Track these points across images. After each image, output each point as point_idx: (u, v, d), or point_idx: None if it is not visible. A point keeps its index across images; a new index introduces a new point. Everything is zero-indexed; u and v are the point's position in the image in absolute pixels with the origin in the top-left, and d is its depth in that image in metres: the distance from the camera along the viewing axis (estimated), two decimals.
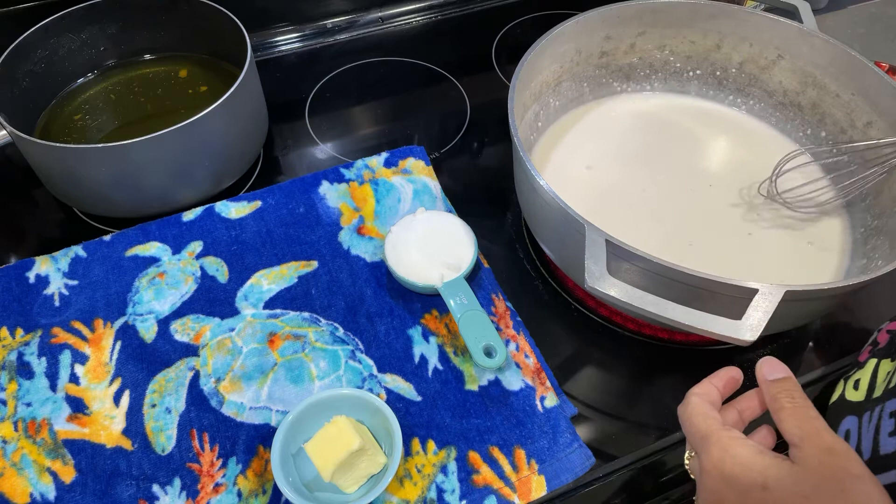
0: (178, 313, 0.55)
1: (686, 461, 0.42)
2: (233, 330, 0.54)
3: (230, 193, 0.65)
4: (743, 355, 0.56)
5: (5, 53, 0.60)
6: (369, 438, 0.47)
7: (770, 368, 0.39)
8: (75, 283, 0.57)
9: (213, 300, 0.56)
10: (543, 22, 0.87)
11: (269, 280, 0.57)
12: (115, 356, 0.53)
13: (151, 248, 0.59)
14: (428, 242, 0.57)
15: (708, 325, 0.41)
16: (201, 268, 0.58)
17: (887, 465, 0.39)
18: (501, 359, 0.50)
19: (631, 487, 0.49)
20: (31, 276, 0.57)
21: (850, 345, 0.56)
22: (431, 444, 0.49)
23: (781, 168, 0.58)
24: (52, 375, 0.51)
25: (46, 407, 0.50)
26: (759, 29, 0.64)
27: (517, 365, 0.52)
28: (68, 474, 0.47)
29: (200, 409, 0.50)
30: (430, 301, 0.56)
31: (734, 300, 0.42)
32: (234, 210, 0.62)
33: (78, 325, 0.54)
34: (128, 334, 0.54)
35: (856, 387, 0.46)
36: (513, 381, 0.52)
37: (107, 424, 0.49)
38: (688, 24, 0.66)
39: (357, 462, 0.45)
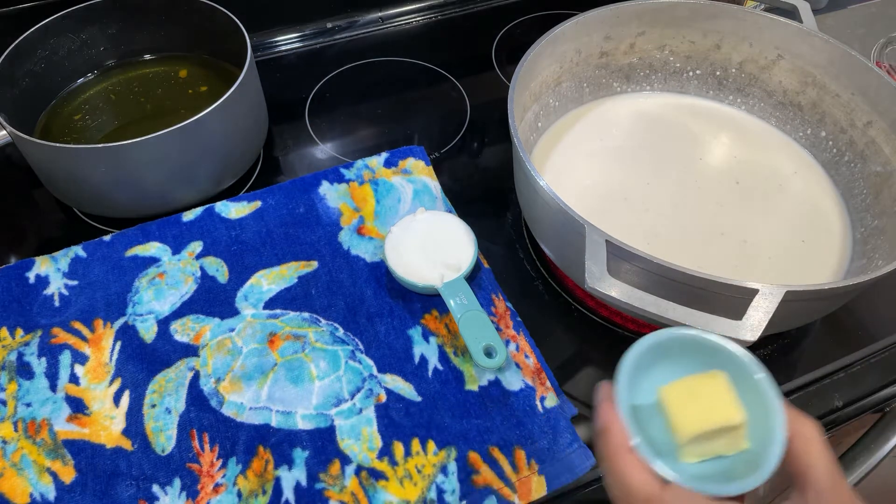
0: (178, 313, 0.55)
1: None
2: (233, 330, 0.54)
3: (230, 193, 0.65)
4: None
5: (5, 53, 0.60)
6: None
7: None
8: (75, 283, 0.57)
9: (213, 300, 0.56)
10: (543, 22, 0.87)
11: (269, 280, 0.57)
12: (115, 356, 0.53)
13: (151, 249, 0.59)
14: (428, 243, 0.57)
15: (708, 325, 0.41)
16: (201, 268, 0.58)
17: None
18: (501, 359, 0.50)
19: None
20: (31, 276, 0.57)
21: (850, 345, 0.56)
22: (431, 445, 0.49)
23: None
24: (52, 376, 0.51)
25: (46, 407, 0.50)
26: (759, 29, 0.64)
27: (517, 365, 0.52)
28: (68, 474, 0.47)
29: (200, 410, 0.50)
30: (430, 301, 0.56)
31: (734, 300, 0.42)
32: (234, 210, 0.62)
33: (78, 326, 0.54)
34: (128, 334, 0.54)
35: None
36: (513, 382, 0.52)
37: (107, 425, 0.49)
38: (688, 24, 0.66)
39: (717, 437, 0.36)
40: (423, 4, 0.87)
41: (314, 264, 0.59)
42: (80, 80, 0.70)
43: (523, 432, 0.49)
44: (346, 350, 0.53)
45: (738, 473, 0.34)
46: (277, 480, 0.47)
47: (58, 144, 0.55)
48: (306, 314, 0.55)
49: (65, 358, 0.52)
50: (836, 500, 0.31)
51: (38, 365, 0.52)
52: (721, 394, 0.35)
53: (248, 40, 0.63)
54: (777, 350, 0.56)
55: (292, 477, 0.47)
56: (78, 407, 0.50)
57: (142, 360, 0.52)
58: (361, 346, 0.54)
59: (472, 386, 0.51)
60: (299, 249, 0.59)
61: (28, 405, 0.50)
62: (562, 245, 0.53)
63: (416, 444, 0.49)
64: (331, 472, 0.47)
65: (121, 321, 0.55)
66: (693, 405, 0.35)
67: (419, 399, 0.51)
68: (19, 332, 0.54)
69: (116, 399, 0.51)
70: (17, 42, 0.61)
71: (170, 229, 0.60)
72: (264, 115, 0.69)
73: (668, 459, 0.35)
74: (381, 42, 0.84)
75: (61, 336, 0.54)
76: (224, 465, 0.48)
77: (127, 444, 0.49)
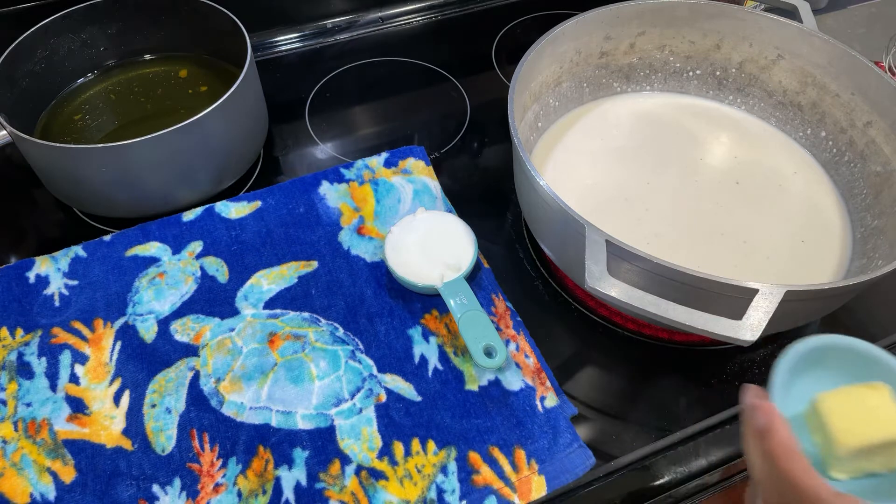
0: (178, 313, 0.55)
1: None
2: (233, 330, 0.54)
3: (230, 193, 0.65)
4: (743, 355, 0.56)
5: (5, 53, 0.60)
6: None
7: None
8: (75, 283, 0.57)
9: (213, 300, 0.56)
10: (543, 22, 0.87)
11: (269, 280, 0.57)
12: (115, 356, 0.53)
13: (151, 248, 0.59)
14: (428, 242, 0.57)
15: (708, 325, 0.41)
16: (201, 268, 0.58)
17: None
18: (501, 359, 0.50)
19: (631, 488, 0.49)
20: (31, 276, 0.57)
21: None
22: (431, 445, 0.49)
23: None
24: (52, 375, 0.51)
25: (46, 407, 0.50)
26: (759, 29, 0.64)
27: (517, 365, 0.52)
28: (68, 474, 0.47)
29: (200, 409, 0.50)
30: (430, 301, 0.56)
31: (734, 300, 0.42)
32: (234, 210, 0.62)
33: (78, 325, 0.54)
34: (128, 334, 0.54)
35: None
36: (513, 382, 0.52)
37: (107, 424, 0.49)
38: (688, 24, 0.66)
39: (876, 453, 0.33)
40: (423, 4, 0.87)
41: (314, 264, 0.59)
42: (80, 80, 0.70)
43: (523, 432, 0.49)
44: (346, 350, 0.53)
45: (889, 493, 0.33)
46: (277, 480, 0.47)
47: (58, 144, 0.55)
48: (306, 314, 0.55)
49: (65, 358, 0.52)
50: None
51: (38, 365, 0.52)
52: (886, 406, 0.33)
53: (248, 40, 0.63)
54: (777, 350, 0.56)
55: (292, 477, 0.47)
56: (78, 407, 0.50)
57: (142, 360, 0.52)
58: (361, 346, 0.54)
59: (472, 386, 0.52)
60: (299, 249, 0.59)
61: (28, 405, 0.50)
62: (562, 245, 0.53)
63: (416, 444, 0.49)
64: (331, 472, 0.47)
65: (121, 321, 0.55)
66: (856, 416, 0.33)
67: (419, 399, 0.51)
68: (19, 331, 0.54)
69: (116, 399, 0.51)
70: (17, 42, 0.61)
71: (170, 229, 0.60)
72: (264, 115, 0.69)
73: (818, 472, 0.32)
74: (381, 42, 0.84)
75: (61, 336, 0.54)
76: (224, 465, 0.48)
77: (127, 444, 0.49)
